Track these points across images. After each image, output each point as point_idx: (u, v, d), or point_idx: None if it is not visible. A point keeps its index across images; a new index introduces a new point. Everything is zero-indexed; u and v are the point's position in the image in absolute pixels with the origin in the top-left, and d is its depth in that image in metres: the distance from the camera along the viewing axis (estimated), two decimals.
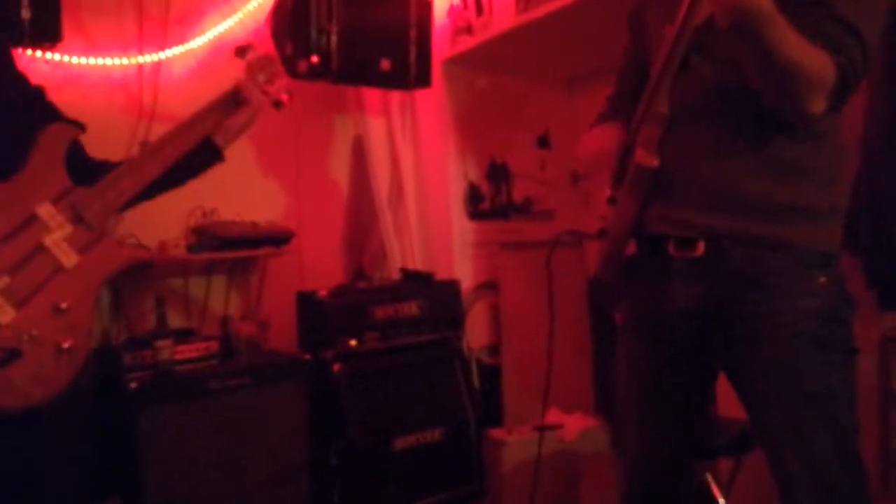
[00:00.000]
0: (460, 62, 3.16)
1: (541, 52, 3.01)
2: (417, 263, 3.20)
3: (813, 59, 1.10)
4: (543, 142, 3.53)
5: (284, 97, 1.68)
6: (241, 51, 1.63)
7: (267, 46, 2.83)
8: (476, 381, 3.03)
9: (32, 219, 1.27)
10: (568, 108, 3.43)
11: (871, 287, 1.93)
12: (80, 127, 1.40)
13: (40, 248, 1.27)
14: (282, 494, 2.42)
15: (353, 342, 2.67)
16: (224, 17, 2.94)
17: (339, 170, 3.30)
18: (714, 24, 1.12)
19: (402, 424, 2.67)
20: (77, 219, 1.32)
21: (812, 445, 1.18)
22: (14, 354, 1.21)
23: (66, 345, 1.25)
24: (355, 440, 2.56)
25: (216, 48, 2.93)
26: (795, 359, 1.20)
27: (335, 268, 3.22)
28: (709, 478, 2.02)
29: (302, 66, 2.63)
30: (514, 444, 2.54)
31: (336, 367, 2.60)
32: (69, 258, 1.30)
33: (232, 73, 2.84)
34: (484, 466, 2.71)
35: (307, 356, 2.60)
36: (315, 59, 2.61)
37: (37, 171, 1.30)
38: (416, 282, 2.96)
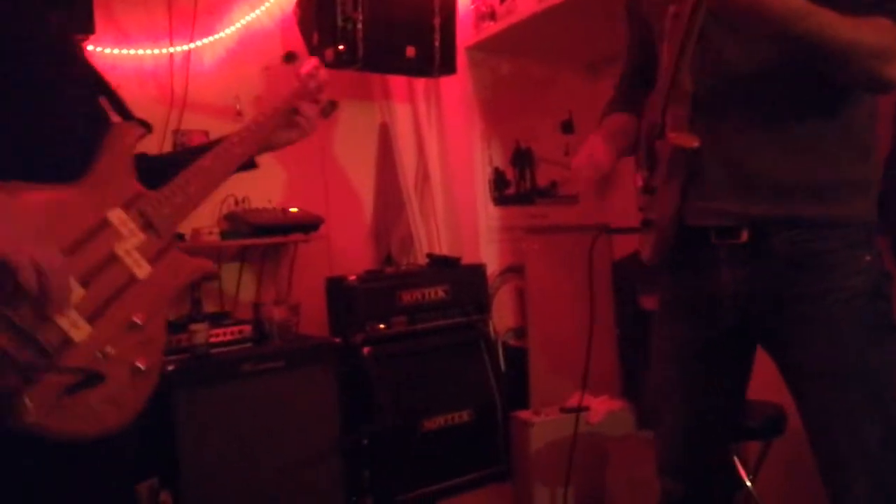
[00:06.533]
0: (484, 48, 3.16)
1: (564, 37, 2.99)
2: (444, 248, 3.22)
3: (867, 31, 1.07)
4: (567, 126, 3.53)
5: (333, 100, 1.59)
6: (289, 57, 1.56)
7: (293, 36, 2.88)
8: (502, 364, 3.05)
9: (104, 225, 1.14)
10: (591, 93, 3.41)
11: None
12: (147, 127, 1.28)
13: (112, 258, 1.14)
14: (314, 475, 2.46)
15: (381, 326, 2.71)
16: (252, 8, 2.98)
17: (366, 157, 3.33)
18: None
19: (430, 406, 2.72)
20: (147, 226, 1.19)
21: (862, 424, 1.18)
22: (96, 377, 1.07)
23: (141, 365, 1.13)
24: (385, 421, 2.61)
25: (244, 38, 2.97)
26: (846, 339, 1.19)
27: (363, 253, 3.25)
28: (736, 460, 2.02)
29: (328, 54, 2.65)
30: (542, 425, 2.55)
31: (365, 350, 2.65)
32: (142, 269, 1.16)
33: (260, 60, 2.93)
34: (510, 447, 2.73)
35: (337, 340, 2.64)
36: (341, 47, 2.64)
37: (106, 172, 1.17)
38: (443, 266, 2.99)
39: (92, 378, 1.07)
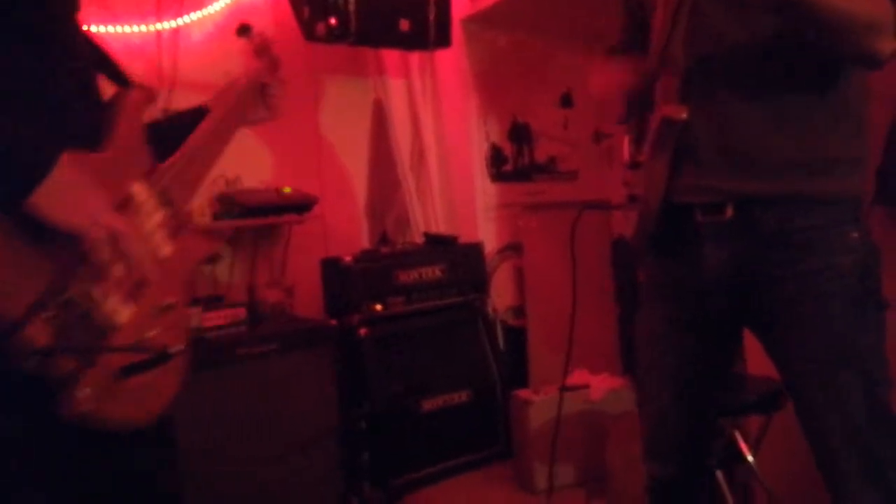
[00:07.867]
0: (480, 21, 3.10)
1: (561, 9, 2.94)
2: (440, 227, 3.19)
3: (861, 3, 1.07)
4: (566, 100, 3.47)
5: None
6: (243, 30, 1.52)
7: (283, 10, 2.80)
8: (501, 343, 3.03)
9: (128, 200, 1.07)
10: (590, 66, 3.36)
11: None
12: (152, 94, 1.23)
13: (140, 237, 1.08)
14: (312, 457, 2.45)
15: (378, 307, 2.69)
16: None
17: (360, 134, 3.28)
18: None
19: (429, 387, 2.71)
20: (165, 202, 1.14)
21: (848, 403, 1.17)
22: (164, 356, 1.02)
23: (175, 349, 1.07)
24: (383, 403, 2.59)
25: (233, 13, 2.88)
26: (832, 317, 1.18)
27: (358, 233, 3.22)
28: (737, 435, 2.02)
29: (320, 28, 2.58)
30: (541, 403, 2.55)
31: (362, 331, 2.63)
32: (165, 248, 1.12)
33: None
34: (510, 427, 2.73)
35: (333, 321, 2.61)
36: (333, 21, 2.57)
37: (124, 142, 1.09)
38: (440, 245, 2.96)
39: (162, 357, 1.02)
